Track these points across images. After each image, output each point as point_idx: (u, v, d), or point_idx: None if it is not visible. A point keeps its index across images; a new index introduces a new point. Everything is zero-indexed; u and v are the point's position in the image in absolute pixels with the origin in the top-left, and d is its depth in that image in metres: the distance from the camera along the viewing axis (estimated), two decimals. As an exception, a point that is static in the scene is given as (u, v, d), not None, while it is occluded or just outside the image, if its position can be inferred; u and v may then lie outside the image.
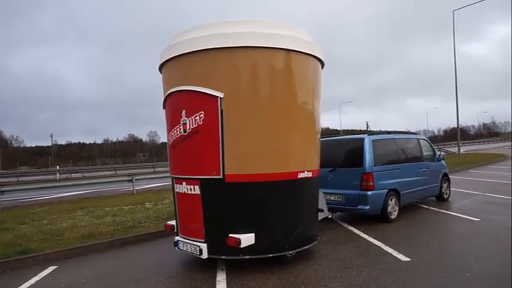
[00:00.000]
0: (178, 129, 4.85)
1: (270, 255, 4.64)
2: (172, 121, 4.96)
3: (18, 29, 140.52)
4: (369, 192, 6.84)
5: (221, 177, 4.50)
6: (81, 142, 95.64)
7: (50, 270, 5.10)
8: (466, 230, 6.30)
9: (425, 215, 7.71)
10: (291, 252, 4.80)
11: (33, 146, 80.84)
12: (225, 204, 4.58)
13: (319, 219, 6.20)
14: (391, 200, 7.24)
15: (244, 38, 4.46)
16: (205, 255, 4.59)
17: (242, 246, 4.39)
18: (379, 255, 5.07)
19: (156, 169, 29.65)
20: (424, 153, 8.66)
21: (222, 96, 4.48)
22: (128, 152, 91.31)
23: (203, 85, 4.56)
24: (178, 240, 4.99)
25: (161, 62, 5.04)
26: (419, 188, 8.13)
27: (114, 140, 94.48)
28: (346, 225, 7.08)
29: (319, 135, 5.49)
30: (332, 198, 7.32)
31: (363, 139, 7.13)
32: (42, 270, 5.08)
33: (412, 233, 6.30)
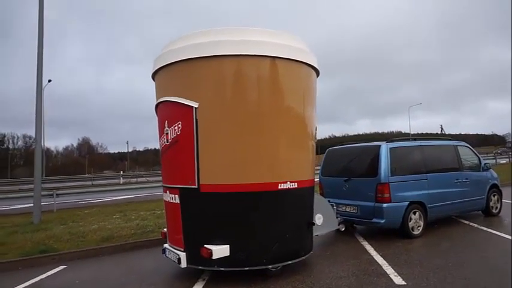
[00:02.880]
0: (163, 138, 4.98)
1: (246, 269, 4.49)
2: (160, 130, 5.10)
3: (111, 51, 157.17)
4: (385, 205, 6.26)
5: (196, 187, 4.50)
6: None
7: (58, 270, 5.57)
8: (500, 256, 5.39)
9: (458, 232, 6.80)
10: (272, 266, 4.60)
11: (115, 152, 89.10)
12: (200, 214, 4.56)
13: (322, 232, 5.89)
14: (414, 213, 6.54)
15: (215, 47, 4.43)
16: (183, 264, 4.61)
17: (214, 257, 4.31)
18: (373, 276, 4.60)
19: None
20: (464, 162, 7.67)
21: (196, 106, 4.49)
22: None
23: (181, 95, 4.62)
24: (165, 248, 5.10)
25: (152, 72, 5.20)
26: (455, 201, 7.21)
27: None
28: (360, 240, 6.56)
29: (311, 144, 5.20)
30: (347, 209, 6.86)
31: (379, 147, 6.57)
32: (52, 269, 5.56)
33: (429, 253, 5.61)
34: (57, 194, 11.81)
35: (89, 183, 29.51)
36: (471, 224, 7.43)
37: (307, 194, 5.02)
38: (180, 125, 4.64)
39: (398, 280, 4.43)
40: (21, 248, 6.46)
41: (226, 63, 4.50)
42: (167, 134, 4.86)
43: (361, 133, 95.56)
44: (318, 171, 7.92)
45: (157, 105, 5.14)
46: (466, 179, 7.51)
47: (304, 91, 5.06)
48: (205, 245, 4.41)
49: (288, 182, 4.65)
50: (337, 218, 6.66)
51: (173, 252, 4.81)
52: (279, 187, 4.57)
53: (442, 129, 53.36)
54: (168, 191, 4.94)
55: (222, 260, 4.40)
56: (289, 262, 4.74)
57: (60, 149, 75.31)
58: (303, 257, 4.91)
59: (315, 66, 5.21)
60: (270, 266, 4.58)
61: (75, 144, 76.51)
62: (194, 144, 4.51)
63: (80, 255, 6.23)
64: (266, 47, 4.56)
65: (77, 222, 8.92)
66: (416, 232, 6.53)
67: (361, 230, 7.30)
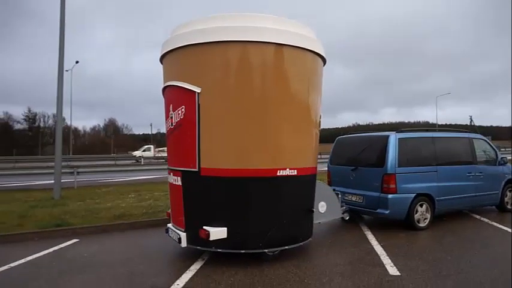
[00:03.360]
0: (168, 121, 5.11)
1: (243, 252, 4.63)
2: (166, 114, 5.23)
3: (140, 35, 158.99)
4: (390, 196, 6.22)
5: (197, 170, 4.63)
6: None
7: (70, 243, 5.90)
8: (502, 252, 5.28)
9: (466, 227, 6.67)
10: (268, 250, 4.71)
11: (140, 133, 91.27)
12: (200, 196, 4.70)
13: (325, 220, 5.92)
14: (421, 206, 6.46)
15: (218, 33, 4.47)
16: (184, 244, 4.79)
17: (211, 239, 4.46)
18: (369, 266, 4.63)
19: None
20: (479, 155, 7.44)
21: (199, 91, 4.57)
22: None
23: (185, 80, 4.71)
24: (168, 228, 5.30)
25: (160, 56, 5.29)
26: (467, 194, 7.05)
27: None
28: (364, 229, 6.56)
29: (315, 132, 5.21)
30: (353, 199, 6.86)
31: (387, 137, 6.48)
32: (65, 242, 5.90)
33: (431, 246, 5.56)
34: (77, 172, 12.36)
35: (113, 162, 30.56)
36: (482, 219, 7.27)
37: (307, 181, 5.06)
38: (183, 109, 4.75)
39: (393, 270, 4.44)
40: (39, 221, 6.87)
41: (229, 49, 4.54)
42: (172, 117, 4.99)
43: (386, 122, 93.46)
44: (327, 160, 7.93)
45: (164, 89, 5.26)
46: (480, 172, 7.31)
47: (309, 79, 5.03)
48: (204, 227, 4.56)
49: (288, 169, 4.70)
50: (342, 206, 6.69)
51: (175, 232, 5.00)
52: (278, 173, 4.63)
53: (471, 120, 51.30)
54: (172, 173, 5.10)
55: (219, 242, 4.55)
56: (286, 247, 4.83)
57: (88, 128, 77.89)
58: (301, 243, 4.99)
59: (321, 53, 5.17)
60: (266, 250, 4.69)
61: (101, 125, 78.91)
62: (196, 129, 4.61)
63: (91, 230, 6.57)
64: (270, 34, 4.56)
65: (94, 200, 9.35)
66: (422, 224, 6.46)
67: (367, 220, 7.28)
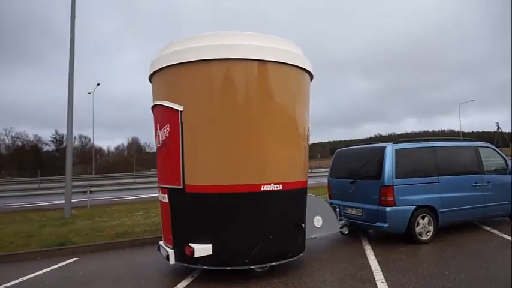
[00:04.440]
0: (157, 140, 5.22)
1: (228, 268, 4.59)
2: (155, 133, 5.35)
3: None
4: (388, 208, 6.04)
5: (181, 187, 4.68)
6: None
7: (69, 261, 6.03)
8: (504, 266, 5.00)
9: (472, 239, 6.35)
10: (255, 266, 4.65)
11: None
12: (186, 213, 4.74)
13: (322, 235, 5.84)
14: (423, 218, 6.22)
15: (197, 52, 4.57)
16: (172, 261, 4.81)
17: (196, 256, 4.47)
18: (359, 282, 4.48)
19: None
20: (486, 164, 7.13)
21: (181, 110, 4.67)
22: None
23: (169, 99, 4.82)
24: (160, 245, 5.34)
25: (148, 76, 5.42)
26: (474, 205, 6.75)
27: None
28: (365, 243, 6.38)
29: (303, 145, 5.18)
30: (353, 212, 6.71)
31: (384, 148, 6.34)
32: (64, 261, 6.04)
33: (430, 260, 5.33)
34: (90, 191, 12.71)
35: (132, 180, 31.20)
36: (492, 230, 6.91)
37: (294, 196, 5.00)
38: (168, 128, 4.85)
39: (382, 287, 4.28)
40: (44, 240, 7.07)
41: (209, 68, 4.62)
42: (159, 136, 5.09)
43: (409, 132, 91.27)
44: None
45: (152, 108, 5.39)
46: (488, 182, 7.00)
47: (295, 94, 5.06)
48: (189, 244, 4.58)
49: (272, 184, 4.67)
50: (341, 220, 6.56)
51: (165, 249, 5.04)
52: (262, 189, 4.61)
53: (498, 127, 49.14)
54: (160, 191, 5.17)
55: (205, 259, 4.54)
56: (274, 263, 4.76)
57: (112, 148, 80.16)
58: (290, 259, 4.90)
59: (307, 68, 5.20)
60: (252, 267, 4.63)
61: (125, 144, 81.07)
62: (180, 147, 4.69)
63: (92, 248, 6.70)
64: (251, 51, 4.62)
65: (102, 218, 9.55)
66: (424, 238, 6.22)
67: (368, 234, 7.06)
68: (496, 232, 6.76)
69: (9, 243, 6.97)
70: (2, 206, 13.00)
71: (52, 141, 66.11)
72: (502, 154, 7.54)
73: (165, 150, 4.97)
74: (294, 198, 5.01)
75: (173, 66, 4.76)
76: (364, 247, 6.15)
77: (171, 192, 4.87)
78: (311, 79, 5.56)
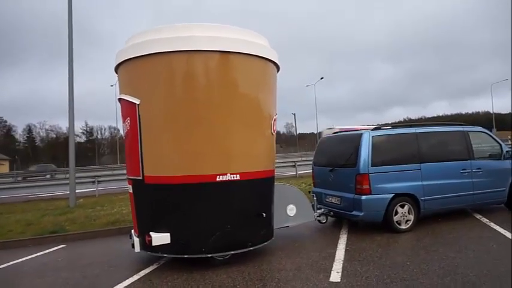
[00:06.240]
0: (123, 132, 5.36)
1: (186, 256, 4.70)
2: (122, 125, 5.49)
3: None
4: (363, 197, 5.90)
5: (141, 178, 4.80)
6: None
7: (55, 248, 6.39)
8: (476, 257, 4.78)
9: (456, 228, 6.08)
10: (214, 255, 4.72)
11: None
12: (145, 203, 4.88)
13: (295, 223, 5.84)
14: (402, 207, 6.04)
15: (154, 44, 4.59)
16: (137, 249, 4.98)
17: (154, 244, 4.60)
18: (314, 271, 4.45)
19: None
20: (476, 150, 6.77)
21: (138, 103, 4.75)
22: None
23: (128, 93, 4.92)
24: (131, 234, 5.53)
25: (114, 67, 5.48)
26: (462, 193, 6.46)
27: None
28: (343, 232, 6.29)
29: (267, 135, 5.14)
30: (333, 200, 6.62)
31: (360, 135, 6.16)
32: (51, 248, 6.41)
33: (400, 250, 5.19)
34: (98, 181, 13.27)
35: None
36: (482, 219, 6.59)
37: (255, 185, 4.98)
38: (129, 121, 4.96)
39: (334, 277, 4.24)
40: (40, 229, 7.50)
41: (164, 60, 4.65)
42: (123, 129, 5.22)
43: (440, 115, 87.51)
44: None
45: (119, 101, 5.52)
46: (478, 168, 6.65)
47: (257, 84, 5.03)
48: (150, 232, 4.71)
49: (228, 174, 4.70)
50: (319, 209, 6.50)
51: (133, 237, 5.21)
52: (217, 179, 4.65)
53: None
54: (128, 182, 5.33)
55: (164, 247, 4.67)
56: (232, 252, 4.82)
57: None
58: (251, 248, 4.93)
59: (271, 59, 5.14)
60: (210, 255, 4.71)
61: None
62: (138, 139, 4.79)
63: (82, 236, 7.04)
64: (209, 42, 4.59)
65: (103, 207, 9.96)
66: (403, 226, 6.04)
67: (352, 223, 6.91)
68: (485, 221, 6.45)
69: (9, 231, 7.46)
70: (23, 196, 13.83)
71: (82, 132, 69.12)
72: (497, 139, 7.11)
73: (127, 143, 5.10)
74: (254, 188, 5.00)
75: (132, 60, 4.82)
76: (340, 236, 6.07)
77: (133, 183, 5.01)
78: (278, 70, 5.50)
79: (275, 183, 5.65)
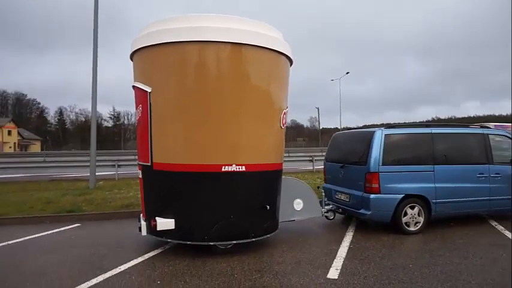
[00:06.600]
0: (136, 119, 5.51)
1: (189, 243, 4.82)
2: (135, 112, 5.64)
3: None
4: (372, 196, 5.82)
5: (150, 164, 4.94)
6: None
7: (70, 227, 6.69)
8: (481, 265, 4.63)
9: (468, 234, 5.89)
10: (215, 243, 4.82)
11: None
12: (153, 189, 5.02)
13: (301, 218, 5.88)
14: (412, 208, 5.92)
15: (166, 34, 4.67)
16: (143, 233, 5.14)
17: (158, 229, 4.74)
18: (313, 267, 4.45)
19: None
20: (496, 154, 6.50)
21: (150, 91, 4.86)
22: (289, 137, 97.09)
23: (141, 81, 5.04)
24: (140, 217, 5.71)
25: (129, 56, 5.62)
26: (476, 198, 6.25)
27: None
28: (350, 229, 6.25)
29: (275, 128, 5.15)
30: (342, 197, 6.57)
31: (373, 132, 6.04)
32: (67, 226, 6.72)
33: (404, 252, 5.09)
34: (118, 165, 13.70)
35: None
36: (497, 226, 6.36)
37: (260, 178, 5.01)
38: (141, 108, 5.09)
39: (332, 274, 4.23)
40: (59, 207, 7.87)
41: (176, 50, 4.71)
42: (136, 116, 5.36)
43: (472, 115, 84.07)
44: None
45: (133, 88, 5.66)
46: (497, 173, 6.40)
47: (268, 77, 5.03)
48: (156, 217, 4.86)
49: (234, 165, 4.75)
50: (328, 205, 6.48)
51: (141, 221, 5.39)
52: (223, 169, 4.71)
53: None
54: (138, 168, 5.49)
55: (168, 232, 4.81)
56: (234, 242, 4.90)
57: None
58: (253, 239, 4.99)
59: (284, 52, 5.13)
60: (212, 243, 4.81)
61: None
62: (148, 126, 4.92)
63: (96, 217, 7.34)
64: (222, 33, 4.62)
65: (120, 190, 10.30)
66: (412, 228, 5.93)
67: (361, 221, 6.85)
68: (500, 228, 6.22)
69: (30, 207, 7.86)
70: (48, 175, 14.49)
71: (110, 117, 71.21)
72: (520, 143, 6.80)
73: (139, 129, 5.24)
74: (260, 180, 5.03)
75: (145, 48, 4.93)
76: (346, 233, 6.02)
77: (143, 169, 5.17)
78: (291, 64, 5.48)
79: (283, 177, 5.67)
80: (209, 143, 4.71)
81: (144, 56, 4.98)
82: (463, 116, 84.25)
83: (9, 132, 58.88)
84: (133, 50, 5.11)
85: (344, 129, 7.83)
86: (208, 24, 4.66)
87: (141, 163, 5.24)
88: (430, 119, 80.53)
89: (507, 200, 6.46)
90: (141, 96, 5.00)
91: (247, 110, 4.85)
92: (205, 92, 4.70)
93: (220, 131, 4.73)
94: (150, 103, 4.87)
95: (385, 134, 5.97)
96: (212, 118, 4.70)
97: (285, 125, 5.44)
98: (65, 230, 6.51)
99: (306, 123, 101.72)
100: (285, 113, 5.36)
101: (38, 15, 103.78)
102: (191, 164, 4.71)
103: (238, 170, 4.77)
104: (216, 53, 4.71)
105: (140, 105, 5.08)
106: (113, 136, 67.45)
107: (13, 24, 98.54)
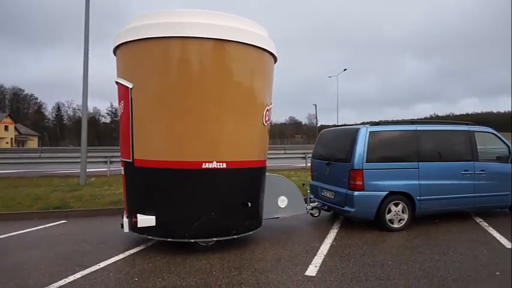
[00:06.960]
0: (119, 115, 5.49)
1: (169, 240, 4.81)
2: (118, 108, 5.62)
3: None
4: (356, 193, 5.83)
5: (131, 161, 4.93)
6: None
7: (57, 223, 6.69)
8: (460, 261, 4.65)
9: (451, 231, 5.91)
10: (196, 240, 4.82)
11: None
12: (134, 186, 5.01)
13: (286, 215, 5.88)
14: (396, 205, 5.93)
15: (146, 30, 4.63)
16: (126, 230, 5.14)
17: (139, 226, 4.74)
18: (293, 264, 4.46)
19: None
20: (481, 151, 6.51)
21: (131, 87, 4.84)
22: (288, 133, 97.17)
23: (122, 76, 5.02)
24: (123, 213, 5.71)
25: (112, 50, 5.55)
26: (461, 195, 6.26)
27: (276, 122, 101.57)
28: (335, 227, 6.27)
29: (259, 125, 5.15)
30: (327, 194, 6.58)
31: (357, 130, 6.04)
32: (53, 222, 6.72)
33: (385, 249, 5.11)
34: (110, 162, 13.68)
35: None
36: (482, 223, 6.38)
37: (241, 175, 5.00)
38: (122, 104, 5.07)
39: (311, 271, 4.25)
40: (47, 203, 7.86)
41: (156, 46, 4.69)
42: (118, 112, 5.35)
43: (470, 113, 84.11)
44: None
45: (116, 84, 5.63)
46: (482, 170, 6.41)
47: (251, 74, 5.02)
48: (137, 214, 4.85)
49: (214, 162, 4.74)
50: (313, 202, 6.50)
51: (124, 218, 5.39)
52: (203, 166, 4.70)
53: None
54: (121, 164, 5.48)
55: (149, 229, 4.81)
56: (215, 239, 4.90)
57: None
58: (234, 236, 4.99)
59: (268, 49, 5.11)
60: (192, 240, 4.81)
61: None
62: (129, 122, 4.90)
63: (83, 213, 7.34)
64: (204, 29, 4.59)
65: (110, 187, 10.28)
66: (396, 225, 5.94)
67: (347, 219, 6.87)
68: (484, 225, 6.24)
69: (18, 203, 7.86)
70: (40, 171, 14.47)
71: (108, 113, 71.08)
72: (506, 141, 6.80)
73: (121, 126, 5.23)
74: (241, 177, 5.02)
75: (127, 44, 4.90)
76: (330, 231, 6.04)
77: (125, 166, 5.16)
78: (275, 61, 5.46)
79: (268, 174, 5.67)
80: (189, 140, 4.70)
81: (126, 51, 4.95)
82: (461, 113, 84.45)
83: (6, 128, 58.69)
84: (116, 45, 5.08)
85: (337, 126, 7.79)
86: (191, 20, 4.63)
87: (123, 159, 5.23)
88: (428, 116, 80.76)
89: (492, 196, 6.49)
90: (123, 92, 4.98)
91: (229, 106, 4.84)
92: (186, 89, 4.68)
93: (200, 128, 4.71)
94: (131, 99, 4.85)
95: (370, 131, 5.97)
96: (192, 114, 4.69)
97: (268, 122, 5.43)
98: (51, 226, 6.51)
99: (304, 120, 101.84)
100: (268, 110, 5.35)
101: (36, 10, 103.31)
102: (171, 161, 4.70)
103: (218, 167, 4.76)
104: (199, 48, 4.68)
105: (122, 101, 5.06)
106: (111, 132, 67.34)
107: (11, 18, 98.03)
